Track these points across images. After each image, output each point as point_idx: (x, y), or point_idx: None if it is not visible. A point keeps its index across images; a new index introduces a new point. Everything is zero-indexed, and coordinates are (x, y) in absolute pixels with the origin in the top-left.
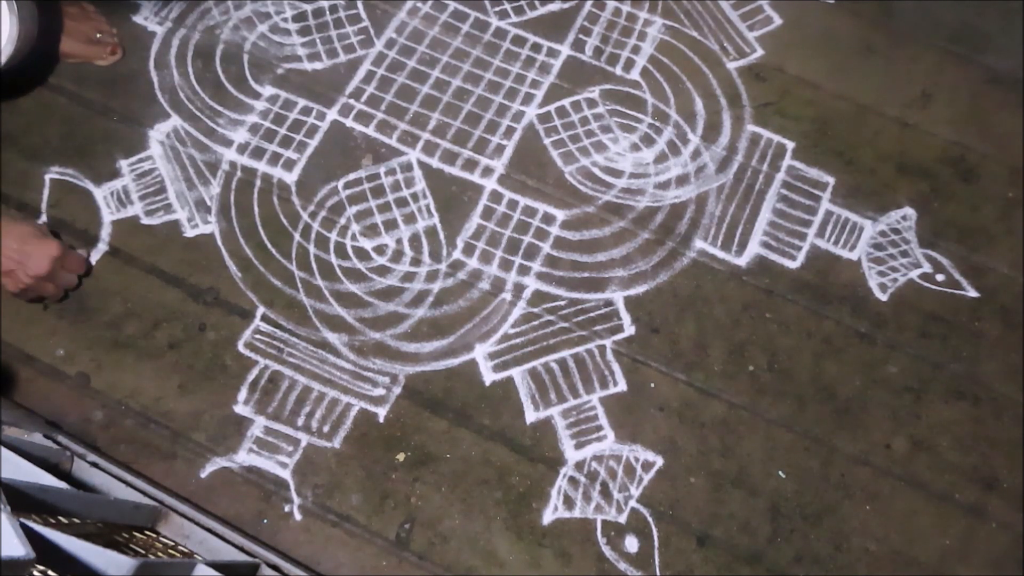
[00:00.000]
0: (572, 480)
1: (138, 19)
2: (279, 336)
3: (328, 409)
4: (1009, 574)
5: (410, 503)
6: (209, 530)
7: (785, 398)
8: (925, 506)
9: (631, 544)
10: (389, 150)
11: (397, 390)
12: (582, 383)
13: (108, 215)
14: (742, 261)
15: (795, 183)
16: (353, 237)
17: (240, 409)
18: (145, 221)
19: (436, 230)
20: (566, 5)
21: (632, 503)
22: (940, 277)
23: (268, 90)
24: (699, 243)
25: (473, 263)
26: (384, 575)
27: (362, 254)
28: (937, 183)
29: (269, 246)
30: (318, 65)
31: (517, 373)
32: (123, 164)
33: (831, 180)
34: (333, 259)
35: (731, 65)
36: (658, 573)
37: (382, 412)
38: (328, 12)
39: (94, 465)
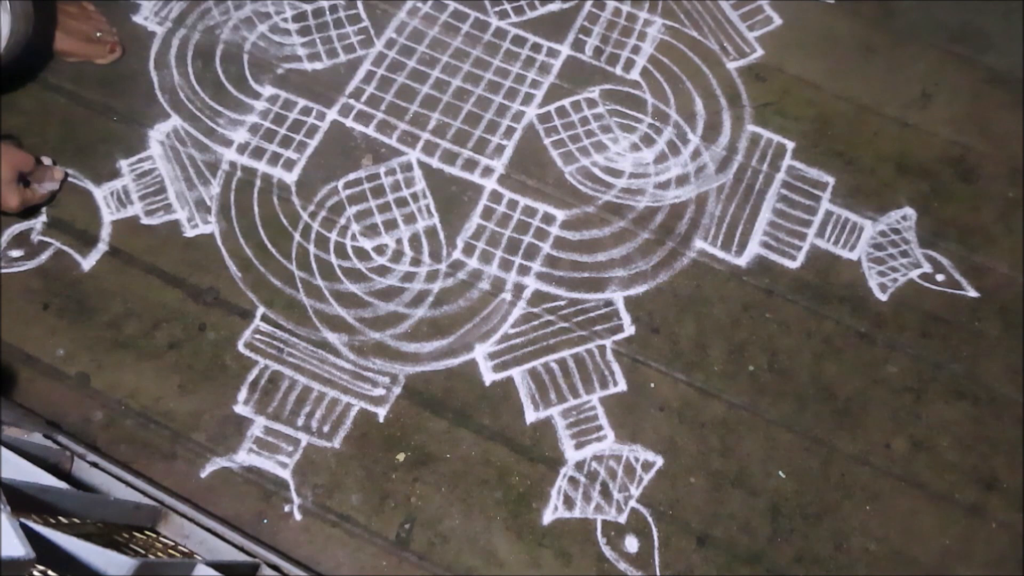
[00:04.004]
0: (572, 480)
1: (138, 19)
2: (279, 336)
3: (328, 409)
4: (1009, 574)
5: (410, 503)
6: (209, 530)
7: (785, 398)
8: (925, 506)
9: (631, 544)
10: (389, 150)
11: (397, 390)
12: (582, 383)
13: (108, 215)
14: (742, 261)
15: (795, 183)
16: (353, 237)
17: (240, 409)
18: (145, 221)
19: (436, 230)
20: (566, 5)
21: (632, 503)
22: (940, 277)
23: (268, 90)
24: (699, 243)
25: (473, 263)
26: (384, 575)
27: (362, 254)
28: (937, 183)
29: (269, 246)
30: (318, 65)
31: (517, 373)
32: (123, 164)
33: (831, 180)
34: (333, 259)
35: (731, 65)
36: (658, 573)
37: (382, 412)
38: (328, 12)
39: (94, 465)
